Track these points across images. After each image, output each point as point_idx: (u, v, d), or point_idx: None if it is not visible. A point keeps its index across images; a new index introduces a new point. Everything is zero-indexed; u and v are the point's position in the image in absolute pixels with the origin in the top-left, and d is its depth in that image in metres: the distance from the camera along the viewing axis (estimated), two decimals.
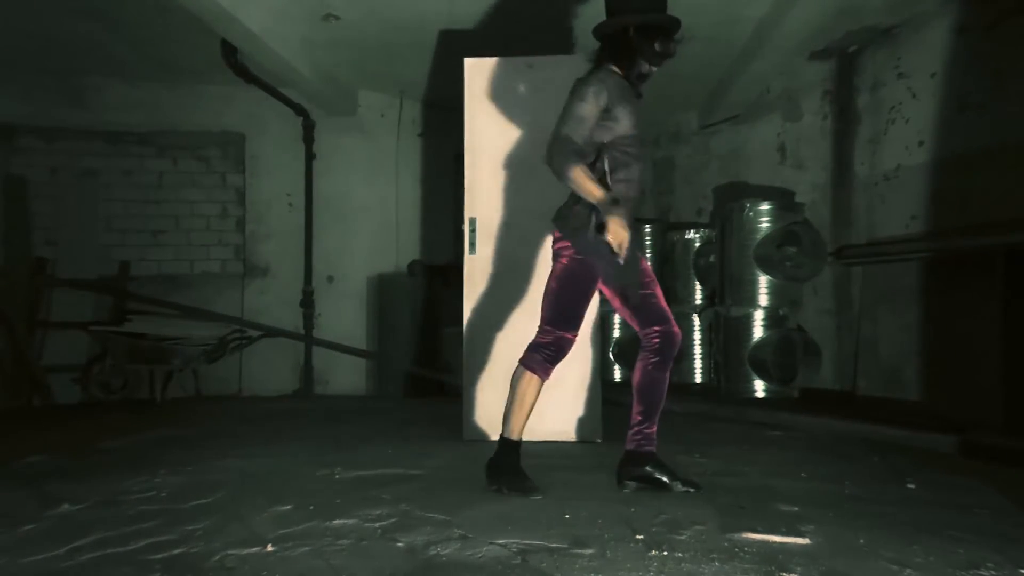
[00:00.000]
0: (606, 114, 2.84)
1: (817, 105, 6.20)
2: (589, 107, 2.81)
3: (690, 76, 6.15)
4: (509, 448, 2.95)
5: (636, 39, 2.88)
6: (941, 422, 4.17)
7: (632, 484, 2.93)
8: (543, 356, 2.90)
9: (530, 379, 2.90)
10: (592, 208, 2.79)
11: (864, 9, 5.04)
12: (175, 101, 6.80)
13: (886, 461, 3.59)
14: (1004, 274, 4.28)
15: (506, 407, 2.95)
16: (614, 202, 2.70)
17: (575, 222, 2.87)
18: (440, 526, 2.43)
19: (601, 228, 2.71)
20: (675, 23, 2.94)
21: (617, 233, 2.67)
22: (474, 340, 4.16)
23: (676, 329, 2.96)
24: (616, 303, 3.00)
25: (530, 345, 2.95)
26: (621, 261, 2.75)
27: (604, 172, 2.87)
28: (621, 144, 2.89)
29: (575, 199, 2.90)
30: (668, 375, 2.97)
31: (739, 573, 2.00)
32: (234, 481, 3.09)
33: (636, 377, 2.97)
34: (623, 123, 2.87)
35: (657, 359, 2.93)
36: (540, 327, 2.95)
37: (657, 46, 2.88)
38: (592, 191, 2.74)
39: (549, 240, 4.04)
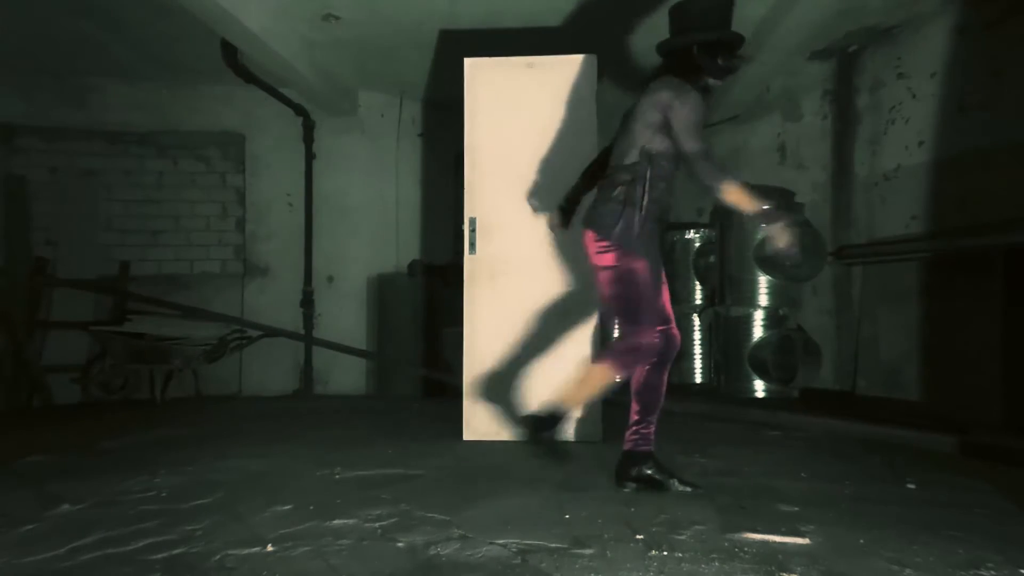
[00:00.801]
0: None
1: (817, 105, 6.20)
2: (702, 117, 2.83)
3: None
4: (561, 415, 2.97)
5: (700, 56, 2.88)
6: (941, 422, 4.17)
7: (631, 484, 2.93)
8: (636, 357, 2.88)
9: (607, 375, 2.90)
10: (626, 205, 2.85)
11: (864, 9, 5.04)
12: (175, 101, 6.80)
13: (886, 461, 3.58)
14: (1004, 274, 4.29)
15: (569, 386, 2.97)
16: (772, 209, 2.77)
17: (610, 220, 2.88)
18: (440, 526, 2.43)
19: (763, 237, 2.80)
20: (739, 39, 2.96)
21: (784, 238, 2.75)
22: (474, 340, 4.16)
23: (675, 331, 2.98)
24: None
25: (622, 346, 2.92)
26: (798, 256, 2.79)
27: (647, 178, 2.88)
28: (668, 155, 2.92)
29: (604, 199, 2.94)
30: (666, 376, 2.98)
31: (739, 573, 2.00)
32: (234, 481, 3.09)
33: (634, 377, 2.97)
34: None
35: (654, 359, 2.94)
36: (627, 329, 2.91)
37: (721, 61, 2.90)
38: (749, 203, 2.78)
39: (549, 240, 4.13)
